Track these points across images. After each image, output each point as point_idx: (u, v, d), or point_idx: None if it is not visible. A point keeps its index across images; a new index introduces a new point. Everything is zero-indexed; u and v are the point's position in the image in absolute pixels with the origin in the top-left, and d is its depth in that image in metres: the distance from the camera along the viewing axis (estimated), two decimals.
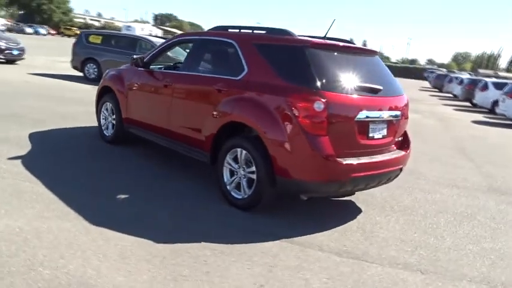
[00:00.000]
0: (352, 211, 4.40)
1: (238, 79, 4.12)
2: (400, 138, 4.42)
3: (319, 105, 3.55)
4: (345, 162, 3.66)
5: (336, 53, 3.99)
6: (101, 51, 13.53)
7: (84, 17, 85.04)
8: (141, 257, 2.99)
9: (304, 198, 3.88)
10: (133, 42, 13.55)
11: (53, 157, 5.06)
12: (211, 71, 4.78)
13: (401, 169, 4.33)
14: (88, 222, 3.42)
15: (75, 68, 13.94)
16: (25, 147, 5.27)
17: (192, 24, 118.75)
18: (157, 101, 5.06)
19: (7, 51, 15.22)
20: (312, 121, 3.57)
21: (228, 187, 4.14)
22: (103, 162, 5.11)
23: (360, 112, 3.76)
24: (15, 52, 15.56)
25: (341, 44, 4.12)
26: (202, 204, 4.10)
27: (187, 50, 5.78)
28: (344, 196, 4.42)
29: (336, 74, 3.83)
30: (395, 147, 4.35)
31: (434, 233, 4.05)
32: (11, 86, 10.45)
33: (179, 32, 40.44)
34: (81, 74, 13.72)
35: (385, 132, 4.09)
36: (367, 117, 3.84)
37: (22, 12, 57.93)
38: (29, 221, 3.32)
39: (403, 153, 4.36)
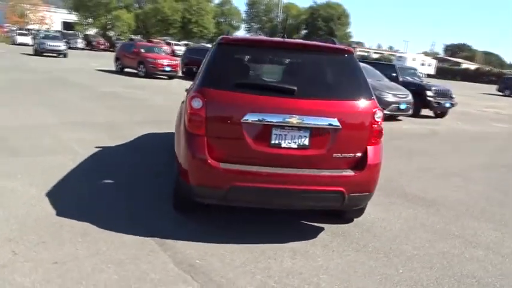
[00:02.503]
0: None
1: None
2: (350, 155, 3.52)
3: (197, 103, 3.41)
4: (224, 168, 3.34)
5: (255, 50, 3.66)
6: None
7: (367, 50, 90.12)
8: None
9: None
10: None
11: None
12: None
13: (341, 193, 3.44)
14: None
15: None
16: None
17: (487, 54, 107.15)
18: None
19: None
20: (191, 119, 3.47)
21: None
22: None
23: (249, 113, 3.33)
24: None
25: (265, 39, 3.72)
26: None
27: None
28: (256, 206, 3.77)
29: (234, 72, 3.56)
30: (339, 164, 3.50)
31: None
32: None
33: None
34: None
35: (305, 142, 3.42)
36: (262, 120, 3.35)
37: None
38: None
39: (348, 173, 3.47)
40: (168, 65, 19.85)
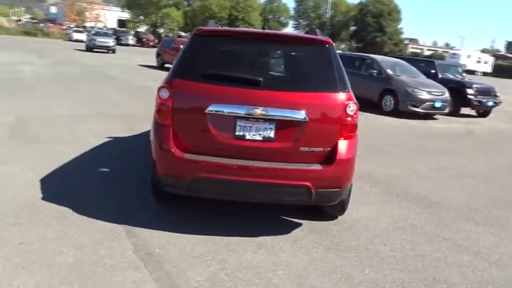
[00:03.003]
0: None
1: None
2: (319, 149, 3.40)
3: (164, 93, 3.44)
4: (187, 158, 3.35)
5: (230, 41, 3.64)
6: None
7: (421, 47, 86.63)
8: None
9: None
10: (360, 62, 13.80)
11: None
12: None
13: (307, 188, 3.34)
14: None
15: None
16: None
17: None
18: None
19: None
20: (158, 110, 3.50)
21: None
22: None
23: (213, 104, 3.30)
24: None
25: (241, 30, 3.68)
26: None
27: None
28: (227, 198, 3.70)
29: (205, 63, 3.54)
30: (307, 158, 3.40)
31: None
32: None
33: None
34: None
35: (270, 134, 3.35)
36: (225, 111, 3.32)
37: (360, 45, 65.25)
38: None
39: (315, 167, 3.36)
40: None
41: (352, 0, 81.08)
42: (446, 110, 12.46)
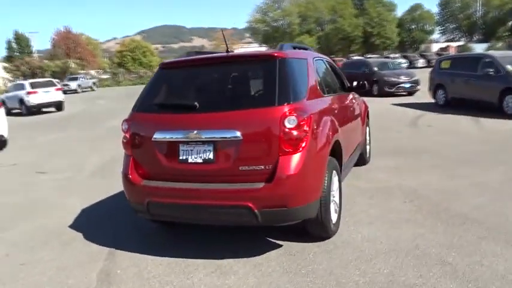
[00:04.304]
0: None
1: None
2: (261, 167, 3.27)
3: (124, 126, 3.77)
4: (142, 184, 3.61)
5: (186, 70, 3.84)
6: (447, 76, 13.19)
7: None
8: None
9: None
10: (476, 62, 12.24)
11: None
12: None
13: (249, 208, 3.23)
14: None
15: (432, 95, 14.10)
16: None
17: None
18: None
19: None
20: (122, 141, 3.83)
21: None
22: None
23: (157, 132, 3.51)
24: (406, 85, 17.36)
25: (196, 58, 3.83)
26: None
27: None
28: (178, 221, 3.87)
29: (159, 94, 3.79)
30: (249, 178, 3.31)
31: None
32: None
33: None
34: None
35: (210, 155, 3.37)
36: (166, 137, 3.49)
37: None
38: None
39: (254, 187, 3.25)
40: None
41: None
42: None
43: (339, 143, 4.05)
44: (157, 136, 3.52)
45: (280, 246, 3.82)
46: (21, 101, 20.28)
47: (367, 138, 6.53)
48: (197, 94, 3.70)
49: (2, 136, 10.47)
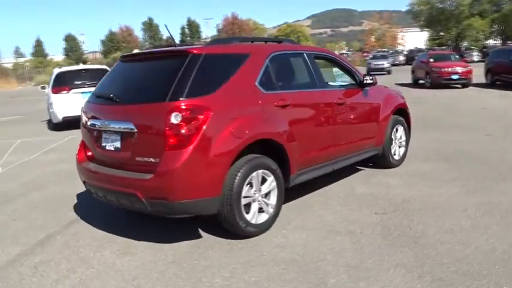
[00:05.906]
0: None
1: None
2: (151, 159, 3.44)
3: (82, 113, 4.30)
4: (82, 165, 4.13)
5: (124, 64, 4.21)
6: None
7: None
8: None
9: None
10: None
11: None
12: None
13: (136, 197, 3.44)
14: None
15: None
16: None
17: None
18: None
19: None
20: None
21: None
22: None
23: (89, 119, 3.99)
24: None
25: (135, 53, 4.14)
26: None
27: None
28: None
29: (102, 84, 4.26)
30: (142, 168, 3.51)
31: None
32: None
33: None
34: None
35: (118, 145, 3.69)
36: (92, 125, 3.95)
37: None
38: None
39: (141, 177, 3.45)
40: (455, 73, 18.01)
41: None
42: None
43: (276, 141, 3.88)
44: (89, 123, 4.00)
45: (199, 238, 3.88)
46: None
47: (395, 137, 5.85)
48: (118, 87, 4.03)
49: None
